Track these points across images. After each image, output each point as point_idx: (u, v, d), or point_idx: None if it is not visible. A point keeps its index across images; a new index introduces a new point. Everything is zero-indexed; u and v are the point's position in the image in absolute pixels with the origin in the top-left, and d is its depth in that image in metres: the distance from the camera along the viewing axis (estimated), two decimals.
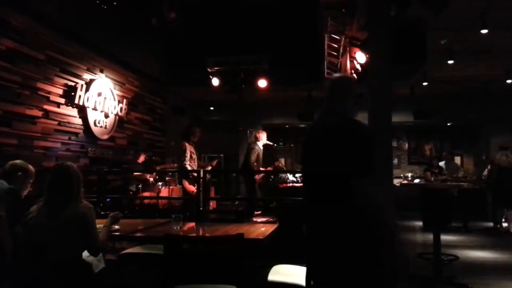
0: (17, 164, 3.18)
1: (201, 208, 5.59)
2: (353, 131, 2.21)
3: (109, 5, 6.47)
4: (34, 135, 5.93)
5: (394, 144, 13.63)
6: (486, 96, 10.31)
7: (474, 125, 12.60)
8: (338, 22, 6.28)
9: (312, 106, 11.70)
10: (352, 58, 6.16)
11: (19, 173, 3.12)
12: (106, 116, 7.67)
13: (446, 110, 11.30)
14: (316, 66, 9.05)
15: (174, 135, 9.88)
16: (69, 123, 6.68)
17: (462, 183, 6.77)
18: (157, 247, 3.25)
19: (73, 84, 6.72)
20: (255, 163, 7.51)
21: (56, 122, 6.38)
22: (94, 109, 7.23)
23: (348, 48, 6.44)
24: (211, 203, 7.38)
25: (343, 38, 6.59)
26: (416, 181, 11.23)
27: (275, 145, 8.55)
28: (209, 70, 9.01)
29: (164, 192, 7.35)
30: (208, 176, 6.59)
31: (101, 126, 7.51)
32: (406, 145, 14.27)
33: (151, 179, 7.58)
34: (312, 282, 2.19)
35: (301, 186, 2.54)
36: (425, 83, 8.97)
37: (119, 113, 8.08)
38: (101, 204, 5.74)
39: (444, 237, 5.38)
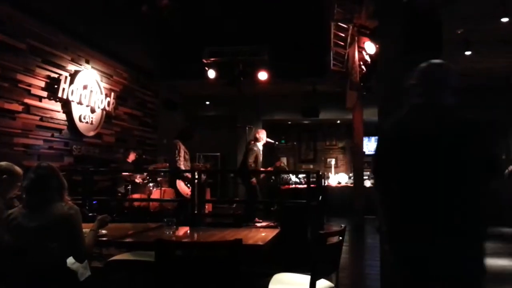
0: (1, 166, 3.17)
1: (195, 212, 5.59)
2: (482, 127, 2.08)
3: None
4: (13, 131, 5.93)
5: None
6: (507, 91, 10.32)
7: (494, 122, 12.60)
8: (345, 9, 6.28)
9: (317, 100, 11.73)
10: (361, 48, 6.16)
11: (4, 176, 3.12)
12: (92, 111, 7.67)
13: (462, 106, 11.29)
14: (321, 57, 9.06)
15: (166, 131, 9.89)
16: (52, 118, 6.67)
17: None
18: (147, 253, 3.25)
19: (56, 76, 6.71)
20: (253, 165, 7.50)
21: (37, 118, 6.37)
22: (79, 103, 7.23)
23: (356, 38, 6.44)
24: (206, 206, 7.38)
25: (351, 27, 6.58)
26: None
27: (277, 143, 8.54)
28: (204, 61, 9.01)
29: (156, 194, 7.36)
30: (203, 176, 6.59)
31: (86, 122, 7.50)
32: None
33: (142, 180, 7.57)
34: None
35: (380, 199, 2.25)
36: None
37: (107, 108, 8.08)
38: (87, 207, 5.74)
39: None
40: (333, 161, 13.99)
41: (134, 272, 3.47)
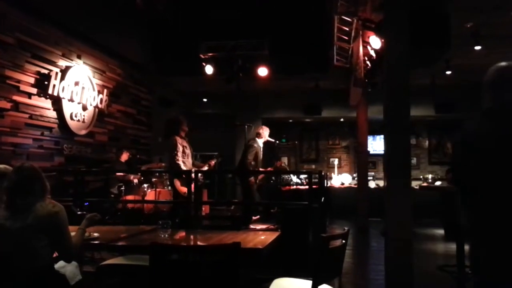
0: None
1: (192, 214, 5.59)
2: None
3: None
4: (1, 130, 5.92)
5: (413, 141, 13.66)
6: None
7: None
8: (349, 2, 6.28)
9: (320, 97, 11.75)
10: (366, 43, 6.15)
11: None
12: (84, 108, 7.67)
13: (472, 103, 11.24)
14: (324, 52, 9.05)
15: (161, 130, 9.87)
16: (42, 116, 6.67)
17: None
18: (142, 257, 3.25)
19: (46, 71, 6.71)
20: (252, 163, 7.50)
21: (27, 115, 6.37)
22: (71, 100, 7.23)
23: (360, 32, 6.44)
24: (203, 208, 7.38)
25: (355, 20, 6.58)
26: (438, 183, 11.30)
27: (277, 142, 8.54)
28: (202, 56, 9.00)
29: (150, 195, 7.35)
30: (200, 177, 6.58)
31: (78, 120, 7.50)
32: (427, 142, 14.31)
33: (136, 181, 7.57)
34: None
35: (471, 199, 2.25)
36: (448, 72, 8.98)
37: (99, 105, 8.08)
38: (78, 209, 5.74)
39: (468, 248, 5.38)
40: (336, 161, 13.99)
41: (127, 277, 3.47)
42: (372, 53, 6.02)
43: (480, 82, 2.29)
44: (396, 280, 3.97)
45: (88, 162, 7.70)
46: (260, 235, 3.55)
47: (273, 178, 8.71)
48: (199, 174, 6.42)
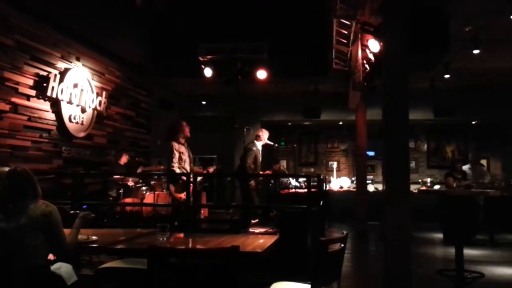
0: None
1: (191, 217, 5.58)
2: None
3: None
4: (0, 132, 5.91)
5: (412, 145, 13.68)
6: None
7: (503, 124, 12.63)
8: (348, 5, 6.29)
9: (319, 100, 11.75)
10: (364, 46, 6.17)
11: None
12: (83, 110, 7.66)
13: (471, 107, 11.33)
14: (323, 55, 9.06)
15: (160, 133, 9.87)
16: (40, 118, 6.66)
17: (488, 190, 6.78)
18: (140, 261, 3.24)
19: (45, 73, 6.70)
20: (252, 166, 7.49)
21: (25, 118, 6.36)
22: (69, 102, 7.22)
23: (359, 35, 6.44)
24: (202, 211, 7.37)
25: (354, 24, 6.59)
26: (436, 187, 11.30)
27: (276, 145, 8.54)
28: (201, 59, 9.00)
29: (149, 198, 7.34)
30: (199, 180, 6.57)
31: (77, 122, 7.49)
32: (425, 146, 14.32)
33: (134, 183, 7.55)
34: None
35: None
36: (447, 76, 8.99)
37: (98, 108, 8.07)
38: (77, 211, 5.72)
39: (467, 252, 5.38)
40: (335, 165, 13.99)
41: (125, 281, 3.46)
42: (371, 56, 6.03)
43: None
44: (395, 284, 3.96)
45: (87, 164, 7.69)
46: (259, 239, 3.55)
47: (272, 181, 8.70)
48: (198, 178, 6.42)
